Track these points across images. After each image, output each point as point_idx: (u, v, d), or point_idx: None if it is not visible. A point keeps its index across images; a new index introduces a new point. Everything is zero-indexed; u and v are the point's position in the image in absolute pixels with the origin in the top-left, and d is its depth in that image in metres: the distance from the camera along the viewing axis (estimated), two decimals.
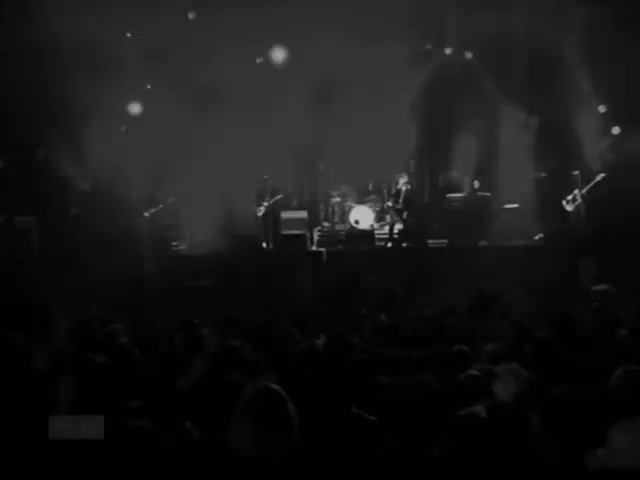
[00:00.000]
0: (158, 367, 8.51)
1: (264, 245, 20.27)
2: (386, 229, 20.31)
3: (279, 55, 21.39)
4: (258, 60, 21.30)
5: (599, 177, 19.27)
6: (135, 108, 21.45)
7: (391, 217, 20.44)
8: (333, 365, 7.53)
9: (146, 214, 20.48)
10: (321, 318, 13.03)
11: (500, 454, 4.96)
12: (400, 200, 20.05)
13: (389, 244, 19.98)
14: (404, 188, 20.01)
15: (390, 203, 20.33)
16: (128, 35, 21.11)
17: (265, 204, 20.29)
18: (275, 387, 4.91)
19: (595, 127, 20.51)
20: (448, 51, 21.19)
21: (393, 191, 20.38)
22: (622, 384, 6.13)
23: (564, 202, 19.48)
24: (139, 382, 7.15)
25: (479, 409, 5.43)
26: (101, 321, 12.43)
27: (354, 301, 15.06)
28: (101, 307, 14.25)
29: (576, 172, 19.72)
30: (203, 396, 5.96)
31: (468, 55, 21.16)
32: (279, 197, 20.61)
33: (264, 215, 20.36)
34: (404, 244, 19.80)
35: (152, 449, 4.62)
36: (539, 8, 19.78)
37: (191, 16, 20.92)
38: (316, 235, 20.79)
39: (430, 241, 19.78)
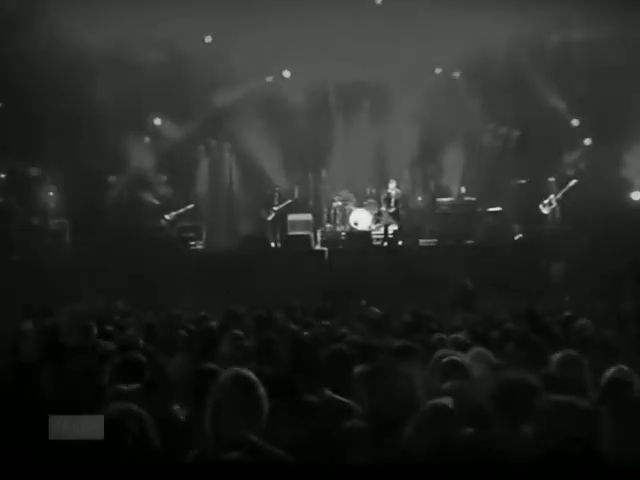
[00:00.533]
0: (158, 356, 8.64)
1: (272, 245, 20.98)
2: (382, 230, 20.80)
3: (287, 75, 22.15)
4: (268, 79, 22.04)
5: (572, 183, 20.29)
6: (157, 121, 22.05)
7: (385, 219, 20.78)
8: (316, 353, 7.69)
9: (167, 217, 21.17)
10: (320, 310, 13.48)
11: (463, 437, 4.99)
12: (392, 204, 20.63)
13: (385, 243, 20.59)
14: (394, 192, 20.64)
15: (384, 207, 20.82)
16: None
17: (275, 209, 21.10)
18: (246, 373, 5.06)
19: (569, 139, 21.75)
20: (438, 71, 22.14)
21: (384, 196, 20.95)
22: (559, 368, 6.53)
23: (541, 206, 20.47)
24: (137, 369, 7.11)
25: (447, 401, 5.41)
26: (120, 314, 13.46)
27: (352, 295, 15.60)
28: (125, 301, 15.23)
29: (552, 179, 20.77)
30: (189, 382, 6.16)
31: (456, 75, 21.93)
32: (288, 202, 21.37)
33: (273, 218, 21.18)
34: (400, 242, 20.48)
35: (140, 430, 4.69)
36: (518, 33, 20.41)
37: (208, 40, 21.57)
38: (320, 235, 21.33)
39: (421, 240, 20.63)
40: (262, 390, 4.89)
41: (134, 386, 6.46)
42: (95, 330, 10.33)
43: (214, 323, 11.50)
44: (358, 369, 6.72)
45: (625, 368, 6.62)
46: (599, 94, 20.31)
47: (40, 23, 19.47)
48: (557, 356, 6.64)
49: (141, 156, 21.87)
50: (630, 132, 20.13)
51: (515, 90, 21.05)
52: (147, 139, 22.19)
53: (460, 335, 9.06)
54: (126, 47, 21.14)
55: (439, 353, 7.02)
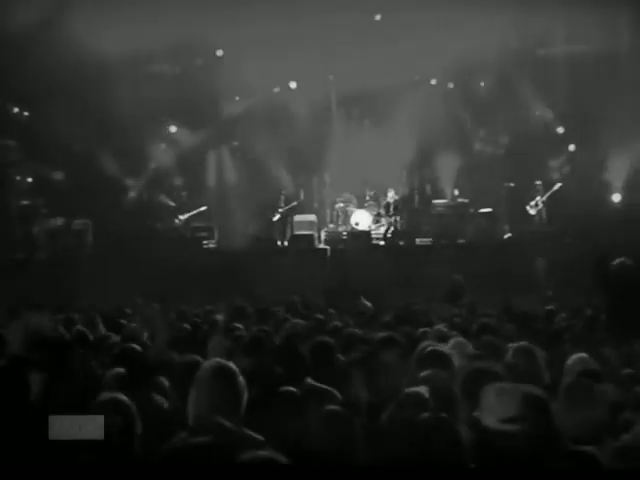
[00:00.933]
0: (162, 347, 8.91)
1: (279, 243, 21.41)
2: (381, 230, 21.45)
3: (293, 86, 22.82)
4: (276, 90, 22.71)
5: (557, 186, 20.85)
6: (173, 129, 22.82)
7: (387, 222, 21.44)
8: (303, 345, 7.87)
9: (181, 217, 21.88)
10: (317, 305, 13.93)
11: (434, 422, 4.93)
12: (391, 210, 21.23)
13: (382, 242, 21.14)
14: (392, 200, 21.25)
15: (382, 211, 21.51)
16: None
17: (280, 210, 21.64)
18: (227, 363, 5.22)
19: (554, 145, 22.35)
20: (433, 82, 22.74)
21: (384, 203, 21.57)
22: (514, 358, 6.70)
23: (528, 207, 21.01)
24: (131, 359, 7.15)
25: (423, 389, 5.57)
26: (135, 308, 13.79)
27: (350, 290, 15.94)
28: (141, 297, 15.47)
29: (538, 182, 21.22)
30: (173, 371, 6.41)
31: (450, 86, 22.56)
32: (294, 204, 21.86)
33: (279, 219, 21.74)
34: (400, 242, 20.97)
35: (124, 416, 4.89)
36: (506, 47, 21.13)
37: (219, 54, 22.43)
38: (323, 235, 21.91)
39: (418, 240, 21.06)
40: (241, 379, 5.07)
41: (113, 372, 6.61)
42: (100, 323, 10.68)
43: (219, 317, 11.84)
44: (342, 358, 7.45)
45: (585, 355, 7.05)
46: (582, 104, 20.75)
47: (63, 36, 19.97)
48: (512, 346, 6.90)
49: (158, 161, 22.58)
50: (610, 139, 20.30)
51: (504, 100, 21.53)
52: (163, 145, 22.82)
53: (443, 327, 9.40)
54: (144, 60, 21.79)
55: (423, 344, 7.23)
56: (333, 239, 21.65)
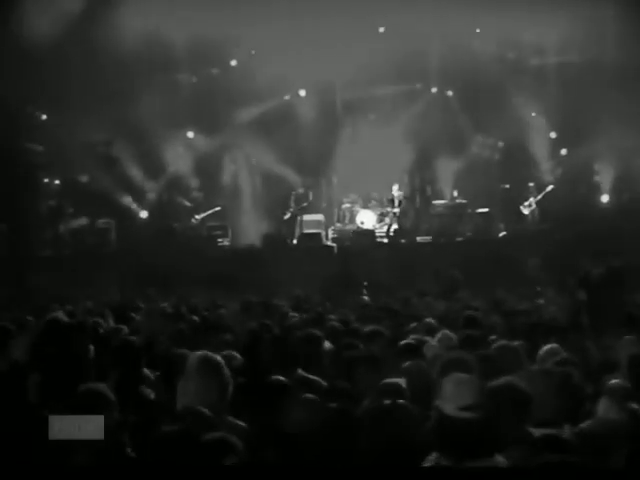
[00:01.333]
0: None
1: (289, 241, 21.77)
2: (386, 228, 21.81)
3: (302, 93, 23.32)
4: (286, 97, 23.20)
5: (549, 188, 21.47)
6: (190, 134, 23.27)
7: (390, 218, 21.80)
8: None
9: (197, 217, 22.28)
10: (321, 300, 14.14)
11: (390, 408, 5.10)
12: (395, 204, 21.65)
13: (386, 240, 21.56)
14: (397, 194, 21.69)
15: (389, 208, 21.80)
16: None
17: (291, 210, 22.04)
18: (212, 355, 5.37)
19: (547, 149, 22.71)
20: (434, 90, 23.19)
21: (389, 197, 21.89)
22: (496, 353, 6.81)
23: (522, 207, 21.56)
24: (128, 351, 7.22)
25: (401, 381, 5.82)
26: (144, 300, 14.07)
27: (351, 285, 16.53)
28: (156, 289, 16.09)
29: (532, 184, 21.83)
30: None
31: (449, 93, 23.14)
32: (305, 205, 22.26)
33: (290, 218, 22.10)
34: (402, 240, 21.41)
35: (103, 408, 4.86)
36: (503, 57, 22.01)
37: (233, 63, 22.95)
38: (330, 233, 22.36)
39: (418, 238, 21.55)
40: (227, 370, 5.23)
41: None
42: (110, 316, 10.81)
43: (223, 311, 11.98)
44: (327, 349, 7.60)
45: (556, 345, 7.16)
46: (573, 111, 21.12)
47: (87, 48, 20.58)
48: (497, 344, 7.04)
49: (176, 164, 22.93)
50: (600, 144, 20.74)
51: (500, 107, 21.76)
52: (181, 149, 23.15)
53: (433, 320, 9.59)
54: (163, 69, 22.17)
55: (409, 337, 7.62)
56: (340, 237, 22.03)
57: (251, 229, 22.73)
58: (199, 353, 5.42)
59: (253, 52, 22.43)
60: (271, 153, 22.58)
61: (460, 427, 4.43)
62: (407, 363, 6.40)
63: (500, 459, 4.36)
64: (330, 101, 23.27)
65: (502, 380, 5.08)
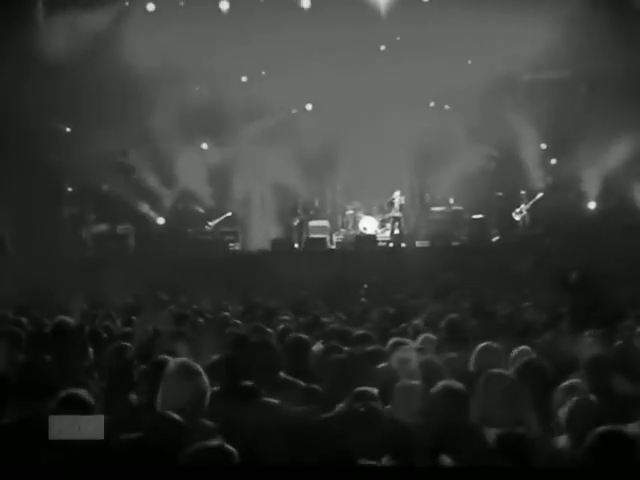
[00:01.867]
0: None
1: (296, 246, 22.24)
2: (387, 234, 22.37)
3: (309, 107, 23.93)
4: (294, 111, 23.87)
5: (539, 196, 21.95)
6: (204, 145, 23.82)
7: (391, 222, 22.23)
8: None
9: (210, 224, 22.94)
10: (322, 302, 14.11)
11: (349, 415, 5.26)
12: (396, 208, 22.12)
13: (391, 244, 21.99)
14: (397, 199, 22.14)
15: (391, 213, 22.21)
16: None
17: (299, 216, 22.49)
18: (190, 362, 5.37)
19: (538, 159, 23.06)
20: (432, 104, 23.59)
21: (389, 200, 22.32)
22: (478, 357, 6.92)
23: (514, 214, 22.11)
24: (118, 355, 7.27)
25: (375, 390, 5.71)
26: (155, 303, 14.01)
27: (346, 289, 16.48)
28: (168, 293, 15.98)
29: (523, 192, 22.28)
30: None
31: (446, 107, 23.62)
32: (311, 212, 22.83)
33: (297, 224, 22.57)
34: (402, 244, 21.91)
35: (84, 411, 4.79)
36: (497, 73, 21.93)
37: (244, 79, 23.46)
38: (335, 238, 22.77)
39: (417, 242, 22.10)
40: (204, 377, 5.21)
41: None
42: (118, 320, 10.98)
43: (227, 313, 11.83)
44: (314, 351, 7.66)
45: (527, 348, 7.31)
46: (562, 124, 21.73)
47: (108, 68, 21.06)
48: (479, 347, 7.02)
49: (190, 173, 23.18)
50: (587, 154, 21.07)
51: (494, 119, 22.16)
52: (195, 159, 23.28)
53: (421, 323, 9.79)
54: (178, 85, 22.38)
55: (391, 341, 7.63)
56: (343, 242, 22.64)
57: (261, 234, 23.11)
58: (178, 360, 5.50)
59: (263, 73, 23.06)
60: (279, 163, 22.68)
61: (408, 431, 4.64)
62: (379, 366, 6.56)
63: (447, 460, 4.52)
64: (335, 115, 23.21)
65: (440, 384, 5.17)
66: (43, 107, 21.14)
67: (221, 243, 22.94)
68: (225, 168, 23.82)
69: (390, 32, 22.32)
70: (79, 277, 18.85)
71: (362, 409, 5.14)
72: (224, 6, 22.67)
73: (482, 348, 6.98)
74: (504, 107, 22.58)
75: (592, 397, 5.56)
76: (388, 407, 5.27)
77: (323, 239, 22.33)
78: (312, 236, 22.56)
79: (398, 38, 22.41)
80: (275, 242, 22.18)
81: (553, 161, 23.47)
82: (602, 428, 4.55)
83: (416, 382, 5.33)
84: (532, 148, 23.10)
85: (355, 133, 23.38)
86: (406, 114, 22.66)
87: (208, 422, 5.15)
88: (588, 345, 7.81)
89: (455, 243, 21.99)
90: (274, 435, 4.85)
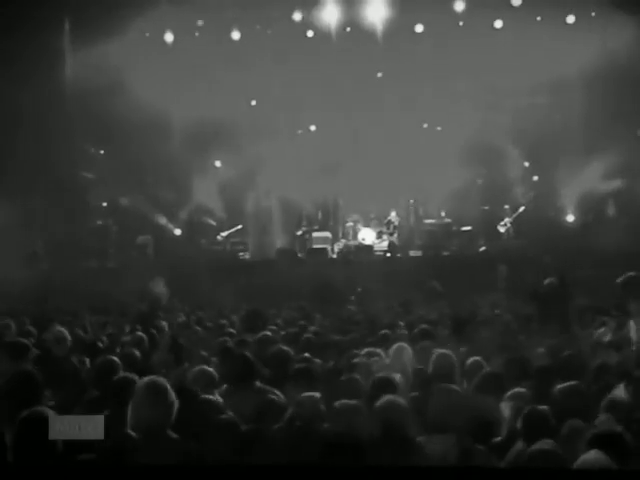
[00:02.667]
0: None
1: (299, 255, 22.68)
2: (383, 244, 22.88)
3: (313, 128, 24.72)
4: (299, 132, 24.66)
5: (521, 209, 22.70)
6: (218, 163, 24.66)
7: (387, 240, 22.92)
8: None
9: (223, 234, 23.75)
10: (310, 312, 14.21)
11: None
12: (392, 229, 23.03)
13: (388, 254, 22.43)
14: (393, 219, 23.09)
15: (384, 229, 23.13)
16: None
17: (303, 228, 23.26)
18: (158, 379, 5.37)
19: (521, 176, 23.95)
20: (425, 125, 24.54)
21: (386, 221, 23.18)
22: (435, 363, 7.05)
23: (499, 226, 22.82)
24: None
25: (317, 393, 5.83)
26: (168, 309, 14.45)
27: (330, 298, 16.43)
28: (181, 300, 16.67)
29: (507, 206, 23.07)
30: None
31: (438, 128, 24.43)
32: (316, 227, 23.57)
33: (301, 235, 23.33)
34: (398, 254, 22.45)
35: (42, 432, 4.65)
36: (476, 101, 22.92)
37: (253, 103, 24.44)
38: (336, 248, 23.23)
39: (411, 252, 22.79)
40: (170, 393, 5.21)
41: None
42: (127, 328, 11.19)
43: (224, 321, 12.18)
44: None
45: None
46: (542, 144, 22.57)
47: (132, 98, 21.34)
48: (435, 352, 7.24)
49: (204, 189, 23.75)
50: (565, 172, 21.88)
51: (482, 140, 22.72)
52: (209, 176, 23.84)
53: (404, 330, 10.22)
54: (193, 109, 22.62)
55: (364, 351, 7.89)
56: (344, 251, 23.09)
57: (268, 244, 23.43)
58: (146, 378, 5.44)
59: (271, 96, 23.53)
60: (285, 179, 22.97)
61: (347, 448, 4.68)
62: (342, 378, 6.80)
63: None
64: (336, 135, 24.04)
65: (384, 399, 5.32)
66: (74, 130, 22.05)
67: (232, 252, 23.48)
68: (236, 184, 24.21)
69: (387, 60, 23.10)
70: (98, 284, 19.30)
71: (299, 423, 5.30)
72: (235, 35, 23.42)
73: (438, 355, 7.12)
74: (490, 129, 23.13)
75: (542, 406, 5.70)
76: (327, 425, 5.35)
77: (325, 249, 22.80)
78: (315, 246, 23.08)
79: (394, 66, 23.20)
80: (280, 251, 22.65)
81: (535, 178, 24.20)
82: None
83: (354, 402, 5.38)
84: (516, 166, 23.83)
85: (355, 152, 23.95)
86: (400, 135, 23.69)
87: (174, 435, 5.17)
88: (539, 355, 7.97)
89: (445, 253, 22.51)
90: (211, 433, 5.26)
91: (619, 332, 10.10)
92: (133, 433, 4.99)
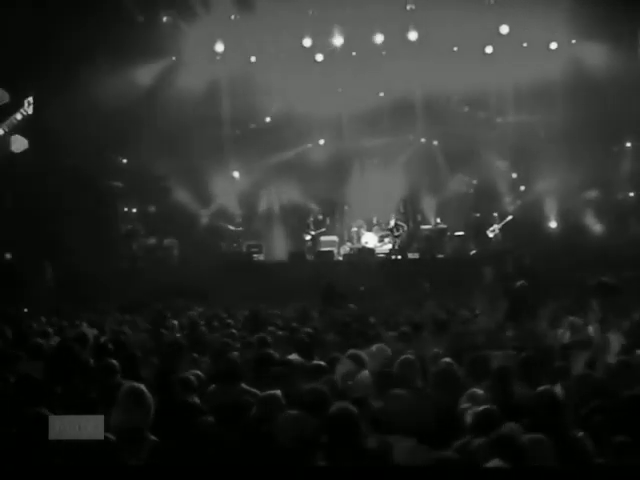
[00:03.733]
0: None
1: (307, 257, 23.27)
2: (385, 247, 23.47)
3: (321, 142, 25.32)
4: (309, 145, 25.47)
5: (509, 217, 23.39)
6: (236, 174, 25.49)
7: (389, 242, 23.45)
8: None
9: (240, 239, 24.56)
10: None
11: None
12: (394, 231, 23.42)
13: (393, 256, 23.09)
14: (394, 224, 23.55)
15: (388, 232, 23.56)
16: None
17: (312, 232, 23.84)
18: (135, 385, 5.50)
19: (509, 186, 24.70)
20: (423, 140, 25.36)
21: (389, 227, 23.60)
22: (400, 368, 6.88)
23: (488, 232, 23.43)
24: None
25: (278, 392, 5.75)
26: (182, 308, 14.96)
27: (335, 297, 16.44)
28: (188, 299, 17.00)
29: (495, 214, 23.72)
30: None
31: (434, 142, 25.24)
32: (322, 230, 24.10)
33: (311, 239, 23.95)
34: (398, 257, 23.18)
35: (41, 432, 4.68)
36: (474, 116, 24.18)
37: (267, 120, 25.41)
38: (342, 251, 23.86)
39: (409, 254, 23.31)
40: (149, 398, 5.32)
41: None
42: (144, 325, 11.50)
43: (231, 321, 12.23)
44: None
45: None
46: (528, 157, 23.53)
47: (155, 109, 22.71)
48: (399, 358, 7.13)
49: (223, 197, 24.83)
50: (548, 183, 23.00)
51: (474, 153, 23.87)
52: (227, 185, 24.86)
53: (391, 332, 10.17)
54: (214, 124, 24.27)
55: (349, 352, 7.66)
56: (348, 254, 23.69)
57: (280, 247, 24.35)
58: (127, 384, 5.58)
59: (284, 113, 24.37)
60: (297, 188, 24.32)
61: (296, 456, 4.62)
62: (322, 379, 6.67)
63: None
64: (343, 148, 24.89)
65: (335, 406, 5.15)
66: (105, 143, 23.02)
67: (247, 254, 24.04)
68: (252, 192, 25.20)
69: (388, 80, 23.81)
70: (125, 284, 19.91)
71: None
72: (253, 59, 24.31)
73: (401, 360, 7.05)
74: (482, 143, 24.13)
75: (493, 406, 5.63)
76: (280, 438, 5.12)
77: (331, 252, 23.52)
78: (322, 249, 23.76)
79: (394, 87, 23.91)
80: (291, 254, 23.43)
81: (522, 188, 24.93)
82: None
83: (299, 413, 5.15)
84: (504, 177, 24.69)
85: (359, 164, 25.10)
86: (402, 148, 24.75)
87: (152, 436, 5.23)
88: (499, 358, 7.76)
89: (440, 255, 23.23)
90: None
91: (579, 333, 10.05)
92: (112, 436, 4.95)
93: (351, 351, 7.64)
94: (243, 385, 6.89)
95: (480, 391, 6.41)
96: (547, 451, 4.87)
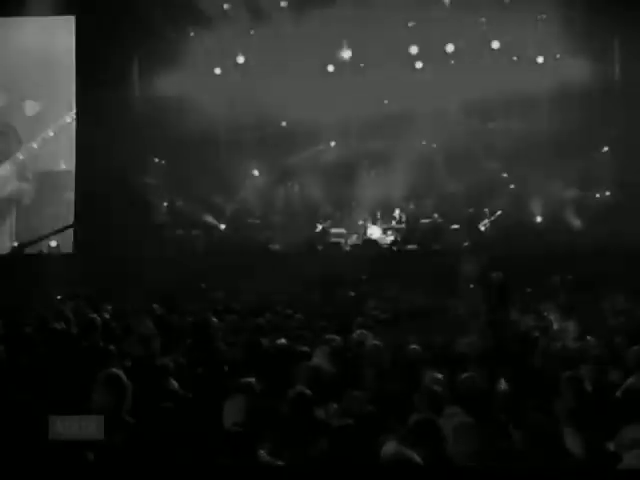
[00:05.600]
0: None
1: (318, 248, 23.26)
2: (388, 239, 23.80)
3: (332, 144, 25.95)
4: (321, 147, 25.77)
5: (498, 212, 23.94)
6: (256, 172, 25.95)
7: (394, 234, 23.76)
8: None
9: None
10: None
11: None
12: (398, 223, 24.07)
13: (394, 248, 23.17)
14: (398, 216, 24.29)
15: (393, 223, 24.04)
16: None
17: (323, 225, 24.39)
18: (112, 370, 5.52)
19: (499, 185, 24.88)
20: (424, 142, 25.24)
21: (393, 218, 24.32)
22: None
23: (480, 226, 23.96)
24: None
25: (253, 380, 5.82)
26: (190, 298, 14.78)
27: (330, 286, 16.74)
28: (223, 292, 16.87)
29: (486, 209, 24.16)
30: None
31: (434, 146, 25.38)
32: (331, 222, 24.70)
33: (321, 230, 24.38)
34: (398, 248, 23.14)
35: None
36: (468, 122, 24.66)
37: (283, 124, 25.71)
38: (349, 242, 24.01)
39: (409, 246, 23.17)
40: (124, 381, 5.34)
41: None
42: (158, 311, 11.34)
43: (237, 306, 12.31)
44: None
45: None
46: (517, 159, 23.87)
47: (184, 114, 23.17)
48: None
49: (244, 192, 25.57)
50: (535, 182, 23.33)
51: (468, 156, 24.19)
52: (248, 182, 25.74)
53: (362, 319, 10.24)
54: (236, 129, 24.96)
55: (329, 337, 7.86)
56: (355, 246, 23.87)
57: (293, 238, 24.13)
58: (105, 370, 5.56)
59: (299, 118, 24.63)
60: (310, 185, 25.02)
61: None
62: (303, 364, 6.73)
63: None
64: (352, 150, 25.43)
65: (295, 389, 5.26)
66: (142, 145, 24.10)
67: (264, 244, 23.92)
68: (270, 188, 25.99)
69: (391, 90, 24.71)
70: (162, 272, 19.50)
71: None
72: (269, 69, 25.13)
73: (370, 345, 7.30)
74: (475, 147, 24.68)
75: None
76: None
77: (339, 243, 23.99)
78: (332, 240, 24.22)
79: (397, 93, 24.41)
80: (303, 245, 23.48)
81: (511, 186, 25.33)
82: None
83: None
84: (495, 176, 25.10)
85: (367, 164, 25.57)
86: (404, 150, 24.32)
87: (129, 418, 5.21)
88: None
89: (437, 247, 23.21)
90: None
91: (542, 320, 10.60)
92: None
93: (329, 336, 8.03)
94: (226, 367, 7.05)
95: (439, 375, 6.69)
96: (473, 435, 5.01)
